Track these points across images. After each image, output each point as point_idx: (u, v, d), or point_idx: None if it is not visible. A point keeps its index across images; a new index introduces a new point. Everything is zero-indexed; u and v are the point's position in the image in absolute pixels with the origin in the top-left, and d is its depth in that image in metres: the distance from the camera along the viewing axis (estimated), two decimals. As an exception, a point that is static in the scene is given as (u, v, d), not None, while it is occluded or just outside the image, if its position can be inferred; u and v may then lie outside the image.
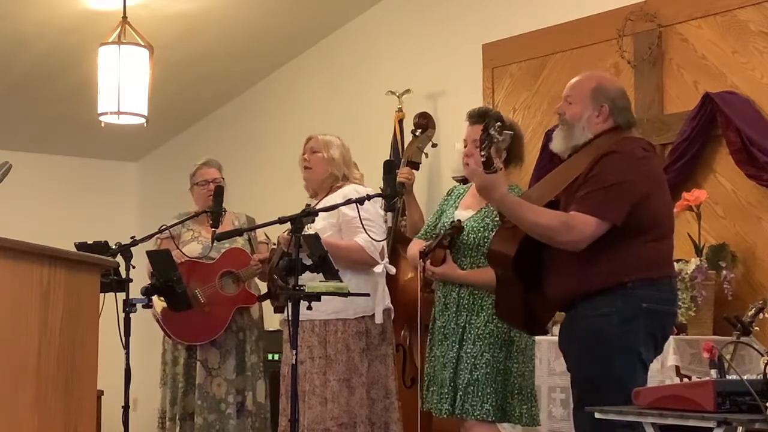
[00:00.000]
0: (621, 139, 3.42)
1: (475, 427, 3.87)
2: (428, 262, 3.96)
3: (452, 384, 3.88)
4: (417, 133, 5.51)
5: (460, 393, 3.86)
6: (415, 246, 4.11)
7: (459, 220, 3.97)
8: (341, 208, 4.20)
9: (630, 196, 3.29)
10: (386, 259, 4.52)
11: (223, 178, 5.22)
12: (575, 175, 3.39)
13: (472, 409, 3.83)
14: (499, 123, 3.30)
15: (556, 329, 4.50)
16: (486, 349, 3.86)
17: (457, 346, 3.91)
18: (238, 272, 5.02)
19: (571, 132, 3.50)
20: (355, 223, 4.26)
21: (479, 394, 3.83)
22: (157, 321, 5.00)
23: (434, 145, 5.56)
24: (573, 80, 3.59)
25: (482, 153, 3.26)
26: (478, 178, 3.37)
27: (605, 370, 3.29)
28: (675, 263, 4.54)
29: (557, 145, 3.57)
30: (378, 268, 4.41)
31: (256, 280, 5.19)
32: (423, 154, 5.48)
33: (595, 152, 3.39)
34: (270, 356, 5.54)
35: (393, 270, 4.57)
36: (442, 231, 4.00)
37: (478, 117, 4.01)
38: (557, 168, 3.62)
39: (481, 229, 3.94)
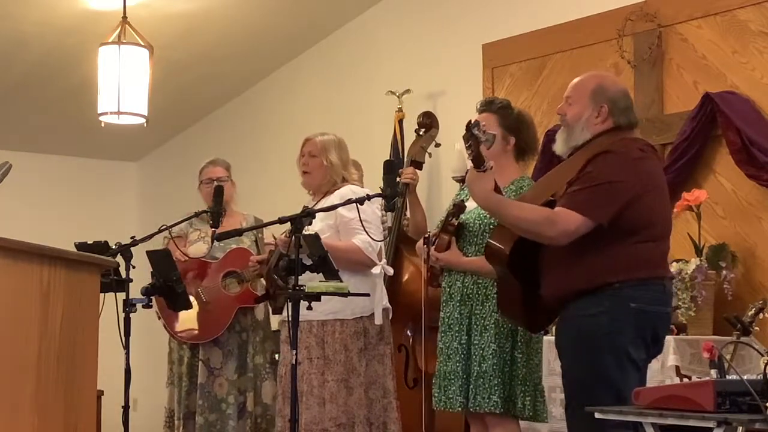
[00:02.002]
0: (618, 140, 3.42)
1: (499, 424, 3.87)
2: (433, 248, 3.97)
3: (465, 376, 3.89)
4: (420, 133, 5.50)
5: (472, 386, 3.87)
6: None
7: (462, 200, 3.98)
8: (338, 209, 4.20)
9: (619, 197, 3.28)
10: (384, 260, 4.51)
11: (230, 177, 5.23)
12: (571, 175, 3.39)
13: (483, 401, 3.84)
14: (485, 123, 3.37)
15: (556, 329, 4.50)
16: (492, 339, 3.87)
17: (466, 337, 3.92)
18: (242, 272, 5.02)
19: (571, 133, 3.51)
20: (352, 224, 4.26)
21: (487, 385, 3.83)
22: (160, 319, 5.01)
23: (437, 145, 5.56)
24: (575, 80, 3.58)
25: (469, 153, 3.30)
26: (469, 174, 3.41)
27: (594, 369, 3.30)
28: (675, 263, 4.55)
29: (559, 147, 3.58)
30: (376, 269, 4.41)
31: (263, 280, 5.18)
32: (426, 154, 5.47)
33: (591, 152, 3.39)
34: (278, 357, 5.53)
35: (390, 271, 4.56)
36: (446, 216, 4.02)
37: (485, 105, 4.10)
38: (554, 168, 3.64)
39: (486, 216, 3.93)
